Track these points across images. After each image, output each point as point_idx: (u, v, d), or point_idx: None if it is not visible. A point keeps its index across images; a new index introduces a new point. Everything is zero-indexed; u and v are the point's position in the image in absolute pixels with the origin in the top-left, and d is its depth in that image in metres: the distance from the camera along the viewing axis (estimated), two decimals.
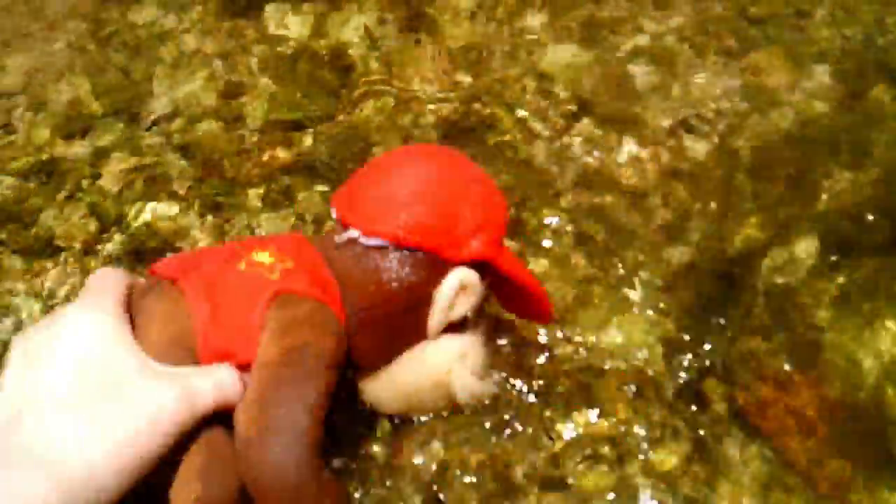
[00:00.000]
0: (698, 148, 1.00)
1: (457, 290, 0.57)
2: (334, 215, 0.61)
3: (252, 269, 0.55)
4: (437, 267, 0.57)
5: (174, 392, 0.48)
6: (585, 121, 1.03)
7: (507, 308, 0.73)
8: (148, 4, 1.20)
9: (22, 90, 1.11)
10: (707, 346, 0.82)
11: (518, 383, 0.77)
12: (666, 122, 1.02)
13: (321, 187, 0.97)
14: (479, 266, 0.59)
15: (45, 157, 1.03)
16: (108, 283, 0.54)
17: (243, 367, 0.52)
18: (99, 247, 0.94)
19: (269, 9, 1.19)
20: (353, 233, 0.57)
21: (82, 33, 1.16)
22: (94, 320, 0.50)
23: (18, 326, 0.87)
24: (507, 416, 0.74)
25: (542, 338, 0.81)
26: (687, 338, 0.83)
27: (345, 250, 0.58)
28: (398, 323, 0.57)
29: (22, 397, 0.46)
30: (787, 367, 0.80)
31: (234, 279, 0.54)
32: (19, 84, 1.11)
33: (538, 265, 0.88)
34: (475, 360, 0.62)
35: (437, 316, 0.58)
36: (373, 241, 0.56)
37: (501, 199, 0.62)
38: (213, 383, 0.50)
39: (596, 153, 1.00)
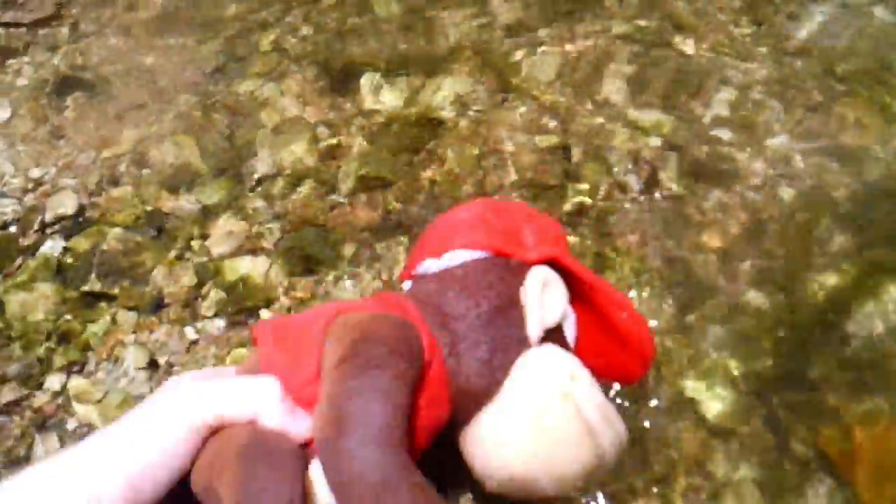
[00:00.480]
0: (786, 198, 1.00)
1: (540, 285, 0.55)
2: (409, 286, 0.63)
3: (319, 307, 0.57)
4: (513, 269, 0.57)
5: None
6: (673, 171, 1.05)
7: (598, 369, 0.64)
8: (250, 77, 1.27)
9: (132, 151, 1.18)
10: (793, 392, 0.82)
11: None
12: (755, 172, 1.04)
13: (405, 242, 1.01)
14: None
15: (150, 209, 1.09)
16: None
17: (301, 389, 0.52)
18: (199, 302, 0.98)
19: (364, 80, 1.24)
20: (429, 261, 0.59)
21: (192, 105, 1.22)
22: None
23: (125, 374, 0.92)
24: None
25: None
26: (773, 384, 0.83)
27: (426, 280, 0.59)
28: (495, 327, 0.54)
29: None
30: (876, 411, 0.79)
31: (301, 317, 0.56)
32: (130, 149, 1.18)
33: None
34: (589, 377, 0.55)
35: (532, 315, 0.55)
36: (447, 258, 0.58)
37: (556, 223, 0.66)
38: (251, 390, 0.51)
39: (682, 202, 1.01)
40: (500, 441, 0.52)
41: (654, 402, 0.82)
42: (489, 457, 0.53)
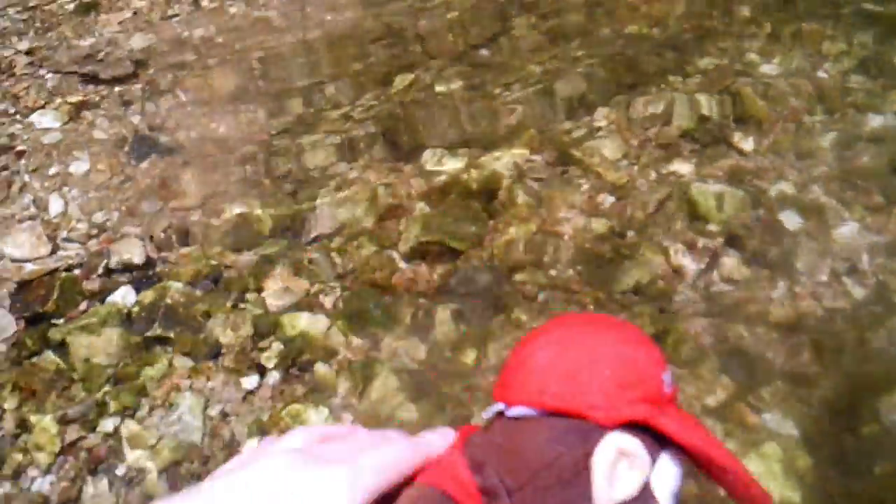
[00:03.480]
0: (855, 293, 1.00)
1: (614, 455, 0.47)
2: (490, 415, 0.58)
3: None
4: (588, 433, 0.49)
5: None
6: (735, 257, 1.05)
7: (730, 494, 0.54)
8: (319, 148, 1.31)
9: (198, 207, 1.22)
10: (858, 482, 0.81)
11: None
12: (820, 267, 1.04)
13: (455, 308, 1.03)
14: (653, 437, 0.49)
15: (214, 264, 1.12)
16: None
17: None
18: (254, 354, 1.00)
19: (427, 153, 1.27)
20: (499, 406, 0.52)
21: (259, 170, 1.28)
22: None
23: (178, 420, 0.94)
24: None
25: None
26: (825, 472, 0.83)
27: (493, 427, 0.52)
28: (559, 499, 0.48)
29: None
30: None
31: None
32: (196, 204, 1.22)
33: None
34: None
35: (599, 488, 0.47)
36: (516, 411, 0.51)
37: (651, 359, 0.53)
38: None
39: (747, 290, 1.01)
40: None
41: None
42: None
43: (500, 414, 0.51)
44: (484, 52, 1.45)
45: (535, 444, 0.49)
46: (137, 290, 1.09)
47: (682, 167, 1.19)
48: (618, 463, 0.47)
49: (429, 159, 1.26)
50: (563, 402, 0.49)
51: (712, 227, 1.09)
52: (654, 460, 0.48)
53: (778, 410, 0.88)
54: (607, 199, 1.16)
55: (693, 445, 0.48)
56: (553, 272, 1.07)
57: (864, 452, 0.84)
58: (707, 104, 1.28)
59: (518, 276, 1.06)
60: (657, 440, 0.48)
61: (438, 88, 1.38)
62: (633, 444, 0.47)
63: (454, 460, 0.49)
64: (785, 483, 0.82)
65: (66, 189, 1.24)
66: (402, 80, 1.41)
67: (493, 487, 0.47)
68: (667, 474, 0.47)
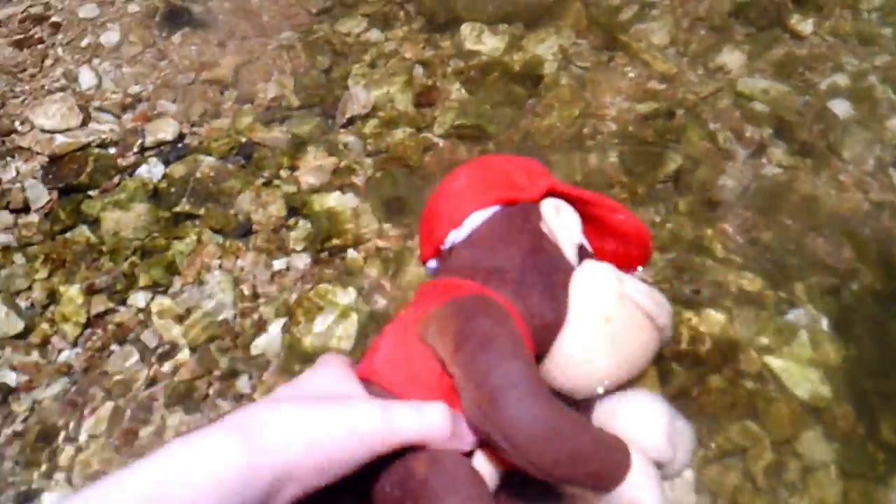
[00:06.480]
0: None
1: (555, 213, 0.59)
2: (435, 264, 0.63)
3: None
4: (525, 210, 0.59)
5: (374, 413, 0.46)
6: (782, 146, 1.02)
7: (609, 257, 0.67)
8: (355, 17, 1.27)
9: (232, 83, 1.18)
10: (877, 379, 0.80)
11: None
12: (869, 157, 0.99)
13: None
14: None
15: (244, 140, 1.11)
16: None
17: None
18: (284, 233, 0.99)
19: (465, 28, 1.22)
20: (452, 233, 0.60)
21: (293, 40, 1.24)
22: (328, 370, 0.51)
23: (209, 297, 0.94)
24: None
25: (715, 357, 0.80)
26: (858, 369, 0.81)
27: (456, 252, 0.60)
28: (539, 264, 0.56)
29: None
30: None
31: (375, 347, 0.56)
32: (230, 77, 1.19)
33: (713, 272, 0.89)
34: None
35: (562, 241, 0.58)
36: (467, 224, 0.59)
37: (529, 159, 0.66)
38: (420, 419, 0.47)
39: (791, 177, 0.98)
40: (583, 358, 0.55)
41: (737, 369, 0.81)
42: (578, 375, 0.55)
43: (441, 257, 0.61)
44: None
45: (499, 232, 0.58)
46: (166, 164, 1.08)
47: (733, 56, 1.14)
48: (560, 216, 0.59)
49: (468, 35, 1.21)
50: (500, 195, 0.59)
51: (761, 115, 1.05)
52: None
53: (812, 306, 0.86)
54: (655, 86, 1.11)
55: (586, 196, 0.61)
56: (593, 157, 1.03)
57: None
58: None
59: (553, 157, 1.03)
60: None
61: None
62: (559, 200, 0.60)
63: (447, 282, 0.57)
64: (816, 378, 0.80)
65: (97, 61, 1.22)
66: None
67: (492, 275, 0.55)
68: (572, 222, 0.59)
